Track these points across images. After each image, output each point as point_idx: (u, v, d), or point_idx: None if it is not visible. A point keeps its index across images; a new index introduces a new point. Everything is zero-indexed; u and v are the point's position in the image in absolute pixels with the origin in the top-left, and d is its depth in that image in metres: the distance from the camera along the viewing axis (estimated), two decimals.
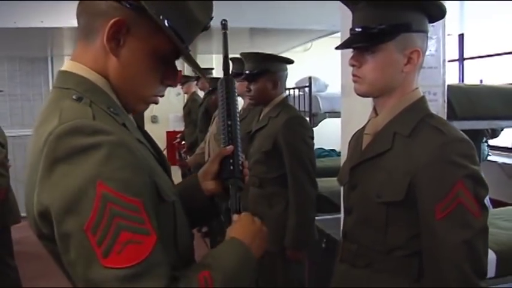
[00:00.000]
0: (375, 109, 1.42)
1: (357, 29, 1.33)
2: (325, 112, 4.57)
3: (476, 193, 1.19)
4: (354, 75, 1.37)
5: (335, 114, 4.52)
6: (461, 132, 1.25)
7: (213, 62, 6.87)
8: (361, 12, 1.32)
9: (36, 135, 0.89)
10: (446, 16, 1.36)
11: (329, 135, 5.68)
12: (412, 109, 1.33)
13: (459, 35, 5.52)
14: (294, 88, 4.92)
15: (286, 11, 4.50)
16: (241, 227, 1.07)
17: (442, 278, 1.20)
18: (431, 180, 1.20)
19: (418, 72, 1.36)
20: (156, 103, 1.05)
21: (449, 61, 3.27)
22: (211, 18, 1.04)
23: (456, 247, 1.17)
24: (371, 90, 1.35)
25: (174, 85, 1.04)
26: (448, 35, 3.07)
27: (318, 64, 6.17)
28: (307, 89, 4.52)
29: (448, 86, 2.21)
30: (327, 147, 6.64)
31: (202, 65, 6.48)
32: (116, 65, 0.95)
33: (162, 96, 1.04)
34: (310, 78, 4.52)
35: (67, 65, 0.99)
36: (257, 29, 4.77)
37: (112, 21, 0.91)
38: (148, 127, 6.82)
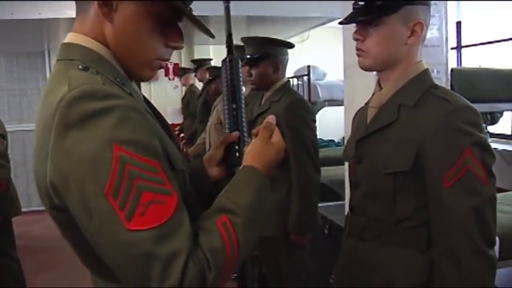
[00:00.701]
0: (378, 83, 1.43)
1: (360, 3, 1.33)
2: (325, 100, 4.57)
3: (483, 160, 1.19)
4: (357, 49, 1.37)
5: (334, 102, 4.53)
6: (467, 100, 1.25)
7: (211, 53, 6.87)
8: None
9: (43, 105, 0.88)
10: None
11: (328, 125, 5.71)
12: (417, 81, 1.34)
13: (456, 23, 5.51)
14: (292, 77, 4.92)
15: None
16: (256, 153, 1.02)
17: (450, 246, 1.20)
18: (439, 148, 1.21)
19: (422, 44, 1.36)
20: (162, 67, 1.02)
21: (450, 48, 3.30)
22: None
23: (465, 214, 1.18)
24: (375, 64, 1.36)
25: (179, 46, 1.00)
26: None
27: (316, 53, 6.18)
28: (305, 78, 4.52)
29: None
30: (325, 138, 6.65)
31: (200, 55, 6.53)
32: (112, 31, 0.93)
33: (167, 60, 1.01)
34: (308, 67, 4.53)
35: (69, 37, 0.97)
36: (254, 17, 4.76)
37: None
38: None
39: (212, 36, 1.06)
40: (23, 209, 3.67)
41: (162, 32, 0.97)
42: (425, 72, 1.36)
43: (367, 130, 1.40)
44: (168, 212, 0.81)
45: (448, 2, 2.18)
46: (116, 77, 0.94)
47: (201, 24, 0.99)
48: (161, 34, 0.97)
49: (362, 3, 1.32)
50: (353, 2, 1.36)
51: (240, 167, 1.01)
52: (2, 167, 3.31)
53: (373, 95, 1.45)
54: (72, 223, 0.85)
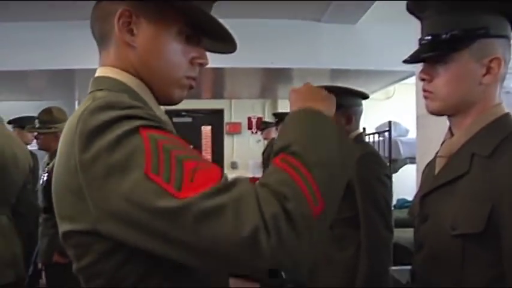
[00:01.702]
0: (450, 129, 1.24)
1: (426, 38, 1.18)
2: (406, 158, 4.35)
3: None
4: (424, 90, 1.21)
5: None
6: None
7: None
8: (429, 19, 1.18)
9: (67, 128, 0.86)
10: None
11: (410, 184, 5.38)
12: (494, 126, 1.14)
13: None
14: (373, 133, 4.77)
15: (366, 52, 4.41)
16: (301, 96, 0.93)
17: None
18: None
19: (501, 85, 1.18)
20: (192, 87, 1.00)
21: None
22: None
23: None
24: (445, 107, 1.18)
25: (204, 63, 0.99)
26: None
27: (400, 110, 5.96)
28: (387, 134, 4.34)
29: None
30: (409, 198, 6.29)
31: (283, 109, 6.54)
32: (137, 55, 0.93)
33: (194, 79, 0.99)
34: (390, 122, 4.36)
35: (98, 71, 0.98)
36: (338, 70, 4.70)
37: (117, 13, 0.91)
38: (228, 173, 6.84)
39: (234, 49, 1.04)
40: None
41: (185, 49, 0.96)
42: (506, 117, 1.16)
43: (433, 183, 1.21)
44: (217, 174, 0.76)
45: None
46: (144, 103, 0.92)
47: (224, 30, 0.96)
48: (184, 52, 0.96)
49: (429, 37, 1.17)
50: (419, 38, 1.21)
51: None
52: None
53: (443, 143, 1.27)
54: (96, 246, 0.81)
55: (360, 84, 5.32)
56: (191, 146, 0.86)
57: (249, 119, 7.91)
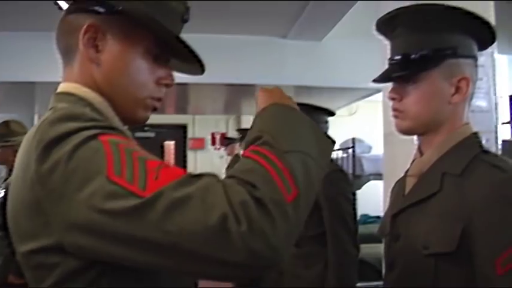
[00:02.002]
0: (419, 148, 1.25)
1: (395, 58, 1.19)
2: (370, 174, 4.40)
3: None
4: (394, 109, 1.21)
5: (380, 176, 4.33)
6: None
7: None
8: (399, 39, 1.18)
9: (25, 140, 0.82)
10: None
11: (374, 201, 5.44)
12: (464, 146, 1.15)
13: (510, 96, 5.22)
14: (338, 150, 4.81)
15: (331, 68, 4.46)
16: (269, 94, 0.89)
17: None
18: (490, 226, 0.99)
19: (468, 104, 1.19)
20: (156, 108, 0.97)
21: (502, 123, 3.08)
22: (187, 8, 0.97)
23: None
24: (415, 126, 1.19)
25: (169, 84, 0.96)
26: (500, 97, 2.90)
27: (363, 127, 6.05)
28: (350, 151, 4.38)
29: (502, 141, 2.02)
30: (372, 214, 6.37)
31: (247, 125, 6.53)
32: (102, 72, 0.90)
33: (159, 100, 0.96)
34: (353, 139, 4.41)
35: (60, 87, 0.94)
36: (302, 87, 4.73)
37: (83, 28, 0.88)
38: None
39: (203, 71, 1.00)
40: None
41: (152, 69, 0.94)
42: (474, 136, 1.17)
43: (404, 202, 1.20)
44: (182, 171, 0.73)
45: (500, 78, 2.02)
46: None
47: (192, 53, 0.94)
48: (151, 71, 0.93)
49: (399, 57, 1.17)
50: (388, 57, 1.21)
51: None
52: None
53: (412, 162, 1.27)
54: (60, 266, 0.75)
55: (323, 101, 5.37)
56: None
57: (213, 134, 7.88)
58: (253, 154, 0.75)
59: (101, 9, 0.88)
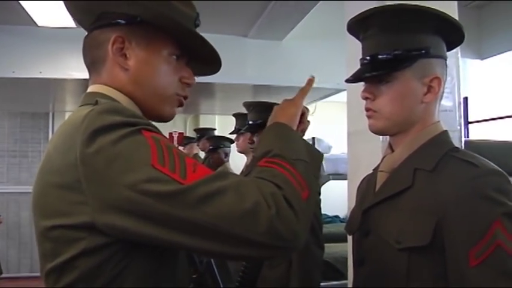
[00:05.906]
0: (390, 145, 1.26)
1: (368, 58, 1.19)
2: (329, 174, 4.44)
3: None
4: (367, 109, 1.21)
5: (339, 176, 4.39)
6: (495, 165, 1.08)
7: (216, 122, 6.82)
8: (371, 39, 1.19)
9: (67, 125, 0.89)
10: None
11: (333, 200, 5.51)
12: (435, 143, 1.17)
13: (463, 98, 5.44)
14: None
15: (291, 68, 4.47)
16: (280, 110, 1.11)
17: None
18: (463, 220, 1.01)
19: (439, 103, 1.21)
20: (182, 104, 1.07)
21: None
22: (197, 14, 1.08)
23: None
24: (389, 126, 1.19)
25: (191, 83, 1.07)
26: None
27: (322, 127, 6.11)
28: None
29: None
30: (330, 214, 6.44)
31: (205, 125, 6.47)
32: (129, 77, 1.00)
33: (185, 97, 1.07)
34: (313, 139, 4.43)
35: (90, 88, 1.03)
36: (260, 86, 4.72)
37: (111, 40, 0.98)
38: None
39: (217, 69, 1.14)
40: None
41: (175, 70, 1.04)
42: (445, 134, 1.20)
43: (376, 198, 1.22)
44: (212, 171, 0.85)
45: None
46: None
47: (210, 47, 1.05)
48: (175, 72, 1.04)
49: (371, 57, 1.18)
50: (360, 58, 1.22)
51: None
52: None
53: (383, 158, 1.28)
54: (83, 241, 0.81)
55: (282, 99, 5.41)
56: None
57: (171, 134, 7.76)
58: (269, 164, 0.91)
59: (123, 21, 0.98)
